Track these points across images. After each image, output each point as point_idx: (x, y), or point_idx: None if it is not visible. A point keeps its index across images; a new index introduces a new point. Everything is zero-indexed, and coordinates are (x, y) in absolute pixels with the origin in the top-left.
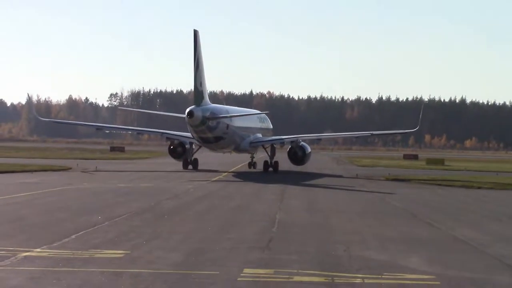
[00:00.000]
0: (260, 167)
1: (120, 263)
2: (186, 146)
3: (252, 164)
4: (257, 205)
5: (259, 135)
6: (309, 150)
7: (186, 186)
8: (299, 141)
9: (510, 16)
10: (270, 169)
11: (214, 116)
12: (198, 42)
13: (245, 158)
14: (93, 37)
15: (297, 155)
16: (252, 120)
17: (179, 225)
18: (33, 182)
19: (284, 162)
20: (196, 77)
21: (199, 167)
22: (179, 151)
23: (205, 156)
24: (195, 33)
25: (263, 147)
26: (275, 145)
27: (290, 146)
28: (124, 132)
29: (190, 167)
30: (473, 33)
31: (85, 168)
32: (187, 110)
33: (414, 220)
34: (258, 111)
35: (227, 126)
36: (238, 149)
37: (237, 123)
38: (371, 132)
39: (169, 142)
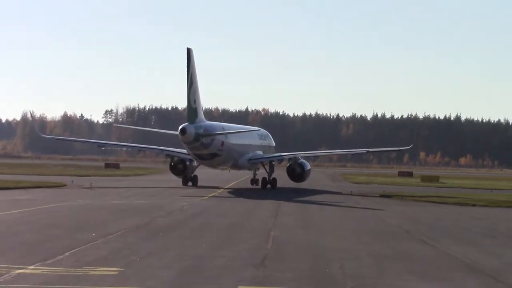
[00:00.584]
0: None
1: (114, 280)
2: (187, 163)
3: (254, 181)
4: (252, 222)
5: (260, 152)
6: (309, 167)
7: (181, 203)
8: (298, 158)
9: (505, 33)
10: (269, 186)
11: (208, 133)
12: (191, 60)
13: (244, 174)
14: (88, 54)
15: (296, 172)
16: (251, 137)
17: (173, 242)
18: (27, 199)
19: (284, 179)
20: (190, 95)
21: (199, 184)
22: (180, 167)
23: (205, 173)
24: (188, 51)
25: (262, 164)
26: (273, 162)
27: (289, 163)
28: (124, 149)
29: (190, 183)
30: (468, 51)
31: (80, 184)
32: (180, 127)
33: (408, 237)
34: (257, 128)
35: (222, 143)
36: (236, 166)
37: (234, 140)
38: (367, 149)
39: (169, 159)
